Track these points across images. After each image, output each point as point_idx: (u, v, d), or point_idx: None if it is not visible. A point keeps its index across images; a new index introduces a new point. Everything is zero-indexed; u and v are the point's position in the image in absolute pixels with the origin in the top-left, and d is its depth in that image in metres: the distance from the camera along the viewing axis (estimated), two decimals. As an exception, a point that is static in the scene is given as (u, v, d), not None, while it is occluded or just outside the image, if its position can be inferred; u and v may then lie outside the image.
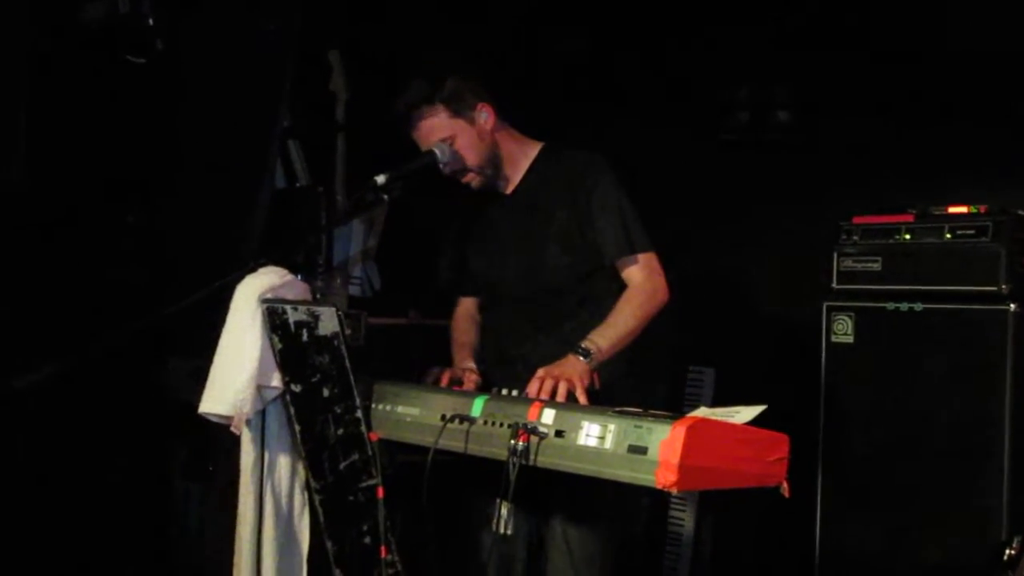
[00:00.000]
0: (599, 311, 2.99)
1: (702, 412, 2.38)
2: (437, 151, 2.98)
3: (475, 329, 3.24)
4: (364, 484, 2.66)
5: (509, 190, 3.15)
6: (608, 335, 2.89)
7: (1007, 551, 3.03)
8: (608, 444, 2.31)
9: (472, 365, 3.08)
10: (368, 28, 4.56)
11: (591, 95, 4.93)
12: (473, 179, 3.07)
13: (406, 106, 3.01)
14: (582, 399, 2.70)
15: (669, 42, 4.70)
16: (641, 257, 3.01)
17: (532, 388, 2.72)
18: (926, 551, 3.52)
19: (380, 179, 2.84)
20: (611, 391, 2.86)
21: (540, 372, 2.76)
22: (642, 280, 3.00)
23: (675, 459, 2.18)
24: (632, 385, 2.97)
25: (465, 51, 4.22)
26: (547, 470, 2.42)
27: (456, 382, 2.96)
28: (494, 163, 3.07)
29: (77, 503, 3.47)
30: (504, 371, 2.98)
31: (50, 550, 3.40)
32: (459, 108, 3.01)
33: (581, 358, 2.82)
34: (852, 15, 4.36)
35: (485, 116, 3.04)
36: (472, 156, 3.03)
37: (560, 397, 2.68)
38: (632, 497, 2.85)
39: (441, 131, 3.00)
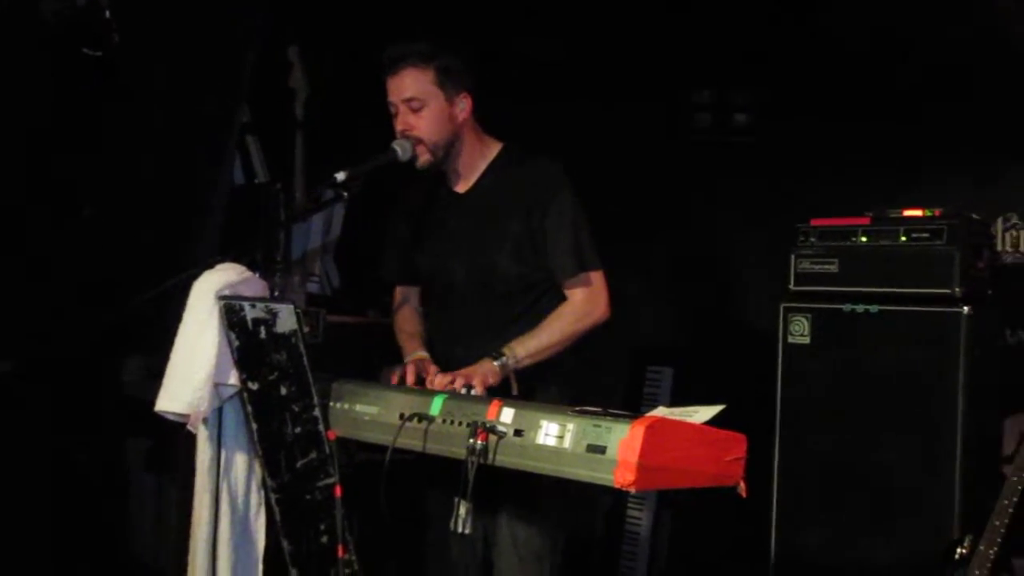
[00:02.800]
0: (544, 318, 3.01)
1: (660, 412, 2.39)
2: (398, 148, 2.95)
3: (420, 318, 3.24)
4: (321, 483, 2.65)
5: (463, 188, 3.12)
6: (528, 345, 2.94)
7: (958, 549, 3.07)
8: (567, 443, 2.31)
9: (426, 354, 3.06)
10: (328, 25, 4.54)
11: (555, 94, 4.92)
12: (422, 154, 3.00)
13: (400, 53, 2.98)
14: (479, 390, 2.77)
15: (634, 44, 4.71)
16: (586, 276, 3.02)
17: (438, 381, 2.82)
18: (880, 550, 3.55)
19: (340, 176, 2.82)
20: (533, 394, 2.94)
21: (450, 375, 2.83)
22: (581, 300, 3.02)
23: (634, 458, 2.19)
24: (556, 391, 3.00)
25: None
26: (493, 468, 2.43)
27: (422, 380, 2.94)
28: (447, 149, 3.03)
29: (31, 502, 3.43)
30: (450, 370, 2.96)
31: (4, 547, 3.36)
32: (445, 82, 2.98)
33: (493, 361, 2.89)
34: (811, 19, 4.39)
35: (463, 106, 3.02)
36: (432, 129, 2.98)
37: (455, 387, 2.78)
38: (577, 492, 2.86)
39: (417, 89, 2.96)
